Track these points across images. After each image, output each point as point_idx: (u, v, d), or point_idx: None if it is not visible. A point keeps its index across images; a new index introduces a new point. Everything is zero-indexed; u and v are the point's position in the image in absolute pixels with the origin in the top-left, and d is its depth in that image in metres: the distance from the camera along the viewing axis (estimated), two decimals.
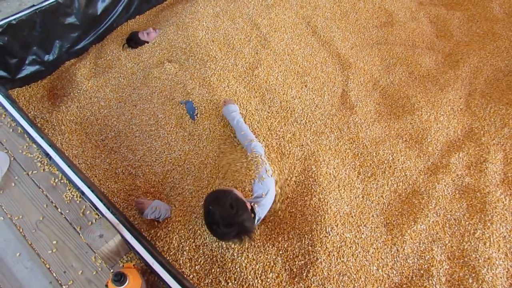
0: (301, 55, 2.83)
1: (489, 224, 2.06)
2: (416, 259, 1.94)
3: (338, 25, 3.12)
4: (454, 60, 2.99)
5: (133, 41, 2.88)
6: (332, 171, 2.24)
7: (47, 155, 1.75)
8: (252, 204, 1.78)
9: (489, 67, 2.91)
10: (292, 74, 2.69)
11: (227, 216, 1.58)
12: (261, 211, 1.85)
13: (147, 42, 2.90)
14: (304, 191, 2.15)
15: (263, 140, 2.37)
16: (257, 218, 1.80)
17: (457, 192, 2.24)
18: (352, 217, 2.08)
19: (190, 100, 2.41)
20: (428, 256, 1.96)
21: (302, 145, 2.34)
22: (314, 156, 2.28)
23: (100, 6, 2.89)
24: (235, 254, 1.80)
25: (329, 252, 1.86)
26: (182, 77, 2.59)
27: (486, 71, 2.89)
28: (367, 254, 1.92)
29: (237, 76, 2.61)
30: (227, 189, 1.75)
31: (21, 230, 1.61)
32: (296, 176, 2.21)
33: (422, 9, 3.41)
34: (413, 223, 2.06)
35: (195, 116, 2.39)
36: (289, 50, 2.81)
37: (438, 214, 2.12)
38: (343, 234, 1.98)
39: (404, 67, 2.90)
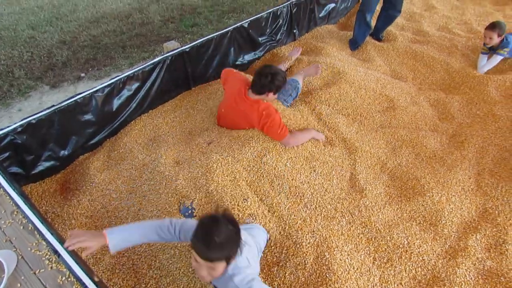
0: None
1: None
2: None
3: (342, 112, 3.25)
4: (458, 141, 3.04)
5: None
6: (347, 258, 2.16)
7: (56, 252, 1.73)
8: None
9: (494, 147, 2.95)
10: (300, 159, 2.74)
11: None
12: None
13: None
14: (318, 280, 2.06)
15: (275, 226, 2.34)
16: None
17: (479, 277, 2.13)
18: None
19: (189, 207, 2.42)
20: None
21: (313, 231, 2.29)
22: (326, 242, 2.22)
23: (116, 103, 3.07)
24: None
25: None
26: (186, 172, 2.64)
27: (492, 150, 2.92)
28: None
29: (245, 166, 2.66)
30: None
31: None
32: (309, 265, 2.13)
33: (421, 94, 3.57)
34: None
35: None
36: None
37: None
38: None
39: (410, 149, 2.95)
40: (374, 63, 3.97)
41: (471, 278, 2.10)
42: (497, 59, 3.73)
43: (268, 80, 2.70)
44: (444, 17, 5.01)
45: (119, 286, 2.06)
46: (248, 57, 4.01)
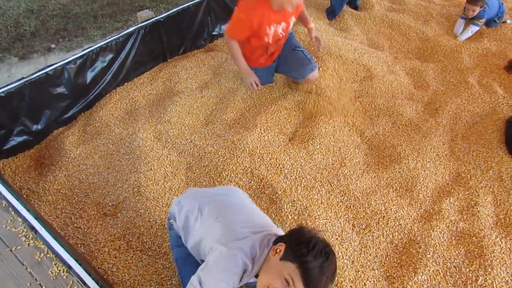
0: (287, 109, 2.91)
1: (489, 270, 2.03)
2: None
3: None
4: (433, 108, 3.10)
5: None
6: (328, 225, 2.21)
7: (33, 228, 1.69)
8: None
9: (467, 113, 3.03)
10: (279, 131, 2.74)
11: None
12: None
13: None
14: None
15: (255, 196, 2.36)
16: None
17: (453, 238, 2.22)
18: (353, 271, 2.02)
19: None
20: None
21: (293, 200, 2.33)
22: (307, 211, 2.26)
23: (89, 76, 2.96)
24: None
25: None
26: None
27: (465, 117, 3.00)
28: None
29: (226, 143, 2.66)
30: None
31: None
32: None
33: (398, 63, 3.59)
34: (413, 274, 2.02)
35: None
36: None
37: (438, 263, 2.08)
38: None
39: (386, 117, 2.99)
40: (352, 32, 3.95)
41: (445, 240, 2.20)
42: (473, 29, 3.78)
43: None
44: None
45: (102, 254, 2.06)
46: (225, 27, 3.90)
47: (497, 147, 2.73)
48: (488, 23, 3.89)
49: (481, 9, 3.65)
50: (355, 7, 4.37)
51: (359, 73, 3.41)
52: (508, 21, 3.97)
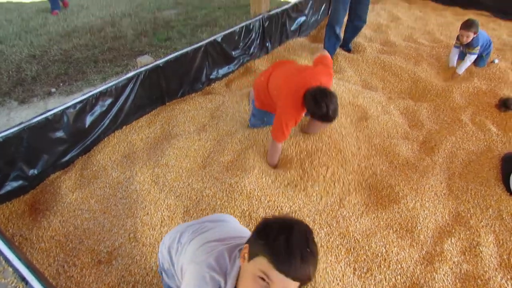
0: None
1: None
2: None
3: None
4: (429, 147, 3.13)
5: None
6: (329, 269, 2.16)
7: (24, 279, 1.64)
8: None
9: (462, 151, 3.05)
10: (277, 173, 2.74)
11: None
12: None
13: None
14: None
15: None
16: None
17: (457, 281, 2.17)
18: None
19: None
20: None
21: None
22: None
23: (88, 120, 2.98)
24: None
25: None
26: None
27: (461, 155, 3.03)
28: None
29: (224, 186, 2.65)
30: None
31: None
32: None
33: (391, 103, 3.66)
34: None
35: None
36: None
37: None
38: None
39: (383, 157, 3.01)
40: (345, 74, 4.06)
41: (449, 283, 2.14)
42: (471, 58, 3.92)
43: (312, 102, 2.52)
44: (409, 28, 5.20)
45: None
46: (222, 71, 4.01)
47: (494, 185, 2.73)
48: (476, 62, 4.02)
49: (475, 35, 3.77)
50: (348, 50, 4.52)
51: (354, 113, 3.46)
52: (496, 61, 4.11)
